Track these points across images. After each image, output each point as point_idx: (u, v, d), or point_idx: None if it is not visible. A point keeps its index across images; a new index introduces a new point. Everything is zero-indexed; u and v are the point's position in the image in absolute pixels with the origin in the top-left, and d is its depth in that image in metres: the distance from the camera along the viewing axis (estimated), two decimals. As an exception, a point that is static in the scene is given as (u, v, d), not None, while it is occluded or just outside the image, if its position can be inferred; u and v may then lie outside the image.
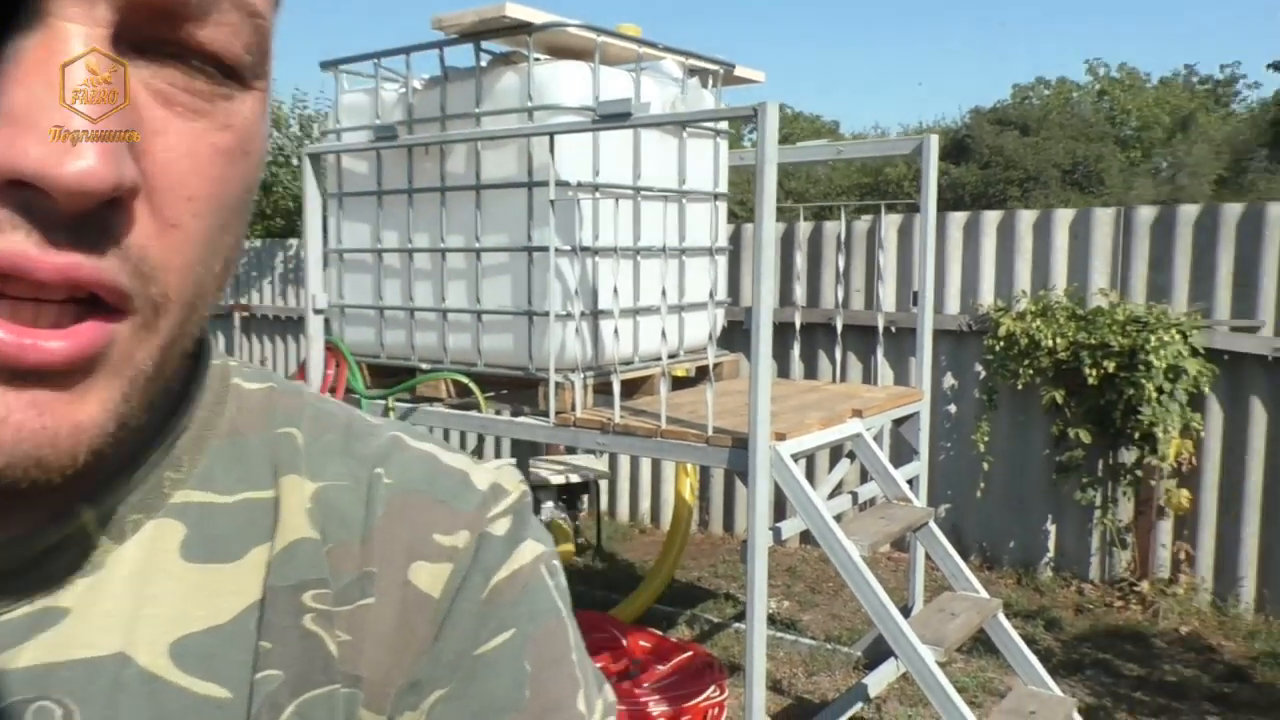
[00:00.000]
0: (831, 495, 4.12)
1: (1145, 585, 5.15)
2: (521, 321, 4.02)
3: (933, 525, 3.70)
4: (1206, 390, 5.06)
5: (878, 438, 4.30)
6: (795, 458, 3.46)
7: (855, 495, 4.05)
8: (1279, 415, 4.95)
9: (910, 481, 4.28)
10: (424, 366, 4.38)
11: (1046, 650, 4.69)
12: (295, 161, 10.23)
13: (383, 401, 4.42)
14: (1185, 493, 5.10)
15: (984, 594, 3.56)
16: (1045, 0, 70.74)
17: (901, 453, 4.44)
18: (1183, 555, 5.16)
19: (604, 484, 7.09)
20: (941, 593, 3.69)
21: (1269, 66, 12.85)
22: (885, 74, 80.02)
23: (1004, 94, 46.09)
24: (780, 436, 3.40)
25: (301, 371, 4.78)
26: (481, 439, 4.60)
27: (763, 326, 3.28)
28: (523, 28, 3.88)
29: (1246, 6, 63.32)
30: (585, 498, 6.74)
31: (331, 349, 4.66)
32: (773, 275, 3.31)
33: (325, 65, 4.55)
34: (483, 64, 4.10)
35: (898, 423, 4.35)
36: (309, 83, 50.92)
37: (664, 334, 3.77)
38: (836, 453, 5.56)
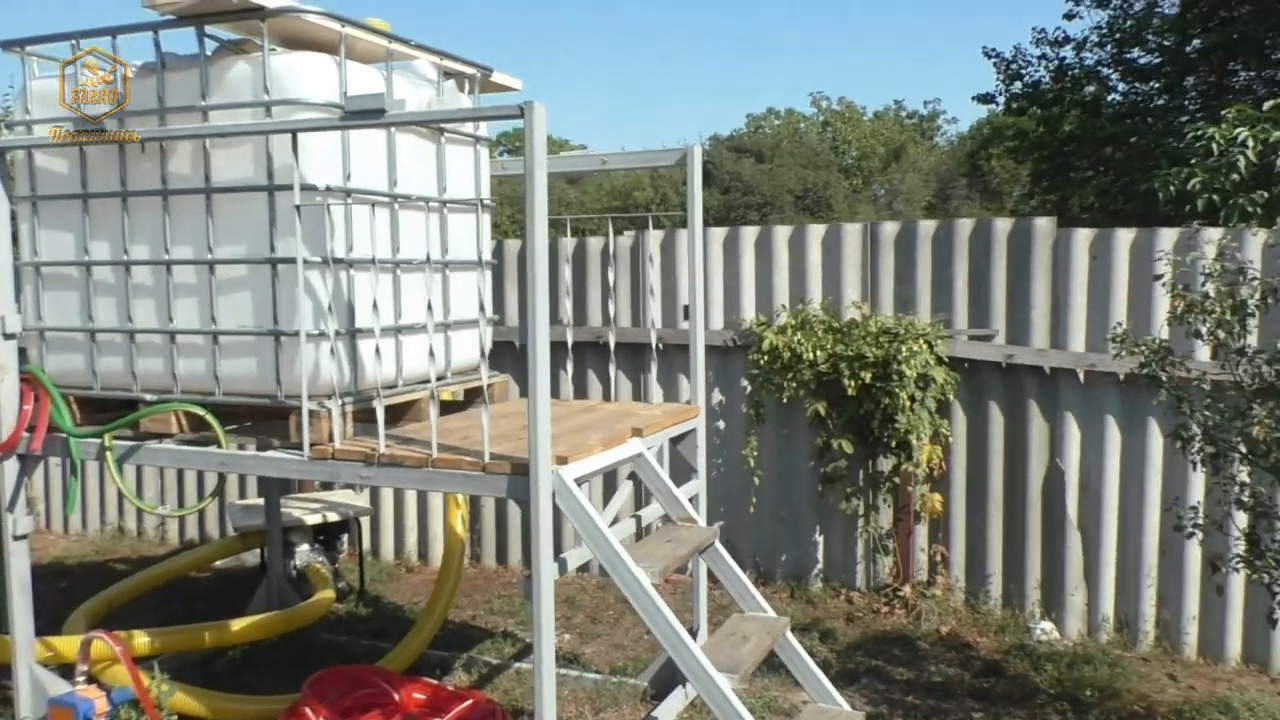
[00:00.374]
0: (613, 521, 3.93)
1: (907, 589, 5.36)
2: (267, 343, 3.55)
3: (718, 545, 3.60)
4: (952, 397, 5.36)
5: (657, 457, 4.17)
6: (579, 482, 3.24)
7: (639, 519, 3.89)
8: (1014, 418, 5.31)
9: (691, 500, 4.19)
10: (148, 398, 3.79)
11: (824, 661, 4.74)
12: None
13: (97, 440, 3.78)
14: (938, 496, 5.36)
15: (771, 613, 3.49)
16: (773, 34, 75.71)
17: (677, 471, 4.34)
18: (939, 557, 5.42)
19: (365, 520, 6.56)
20: (729, 614, 3.59)
21: (974, 99, 14.12)
22: (626, 99, 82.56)
23: (739, 122, 48.70)
24: (562, 460, 3.17)
25: (-12, 408, 4.00)
26: (222, 478, 4.04)
27: (540, 342, 3.04)
28: (254, 11, 3.44)
29: (944, 47, 70.86)
30: (345, 537, 6.20)
31: (29, 380, 3.95)
32: (547, 288, 3.08)
33: (7, 45, 3.86)
34: (208, 52, 3.60)
35: (674, 440, 4.25)
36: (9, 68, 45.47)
37: (432, 352, 3.44)
38: (610, 475, 5.42)
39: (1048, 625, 5.12)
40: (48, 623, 5.28)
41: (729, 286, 5.87)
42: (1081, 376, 5.09)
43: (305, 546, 5.78)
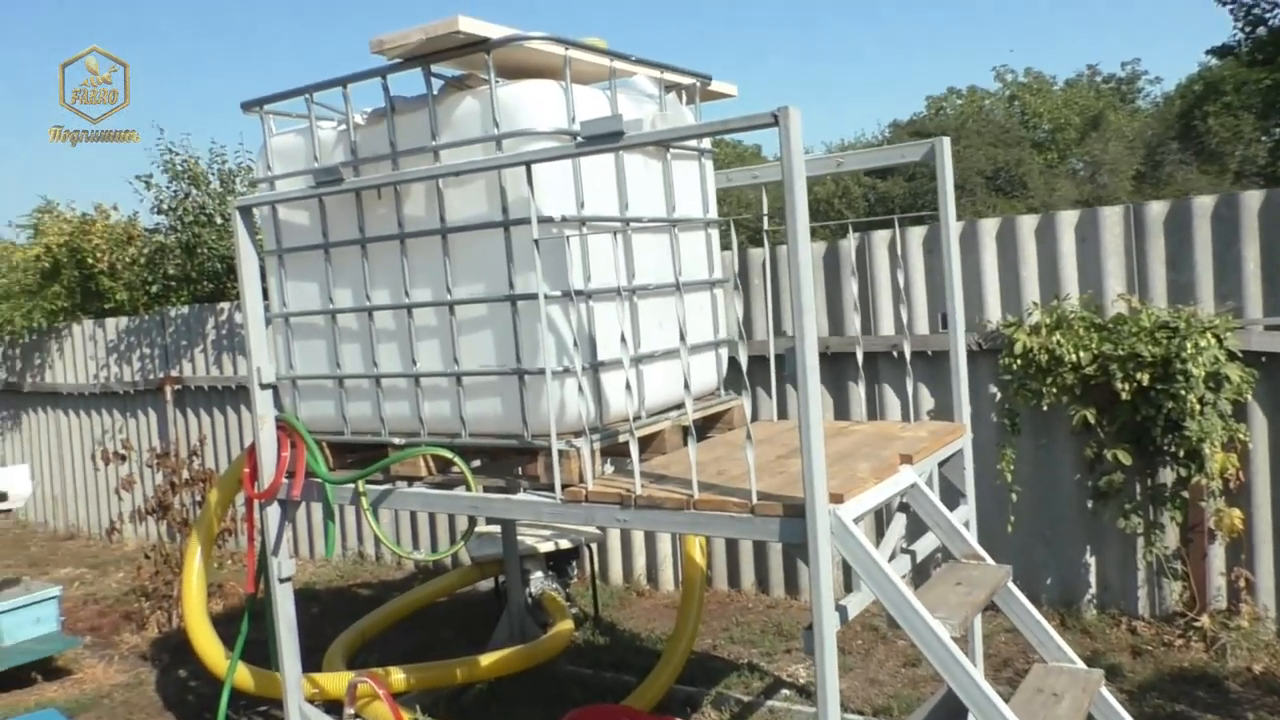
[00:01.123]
0: (890, 558, 3.60)
1: (1205, 619, 4.70)
2: (510, 382, 3.45)
3: (1011, 585, 3.20)
4: (1248, 397, 4.68)
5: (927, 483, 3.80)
6: (856, 520, 2.93)
7: (914, 554, 3.53)
8: (1324, 417, 4.58)
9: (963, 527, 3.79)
10: (397, 442, 3.77)
11: (1119, 703, 4.21)
12: (219, 220, 9.51)
13: (351, 485, 3.80)
14: (1236, 512, 4.68)
15: (1080, 663, 3.06)
16: (945, 12, 72.43)
17: (946, 495, 3.95)
18: (1241, 582, 4.73)
19: (594, 545, 6.49)
20: (1031, 665, 3.18)
21: (1209, 52, 12.77)
22: (795, 94, 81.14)
23: (919, 106, 46.70)
24: (837, 498, 2.87)
25: (251, 456, 4.12)
26: (473, 520, 4.00)
27: (809, 366, 2.74)
28: (479, 44, 3.34)
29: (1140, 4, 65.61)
30: (575, 563, 6.15)
31: (285, 427, 4.03)
32: (813, 304, 2.79)
33: (247, 106, 3.95)
34: (434, 91, 3.54)
35: (941, 463, 3.86)
36: (226, 134, 49.74)
37: (686, 380, 3.22)
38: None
39: (1388, 659, 4.37)
40: (303, 648, 5.49)
41: (969, 285, 5.38)
42: None
43: (539, 574, 5.74)
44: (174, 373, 8.85)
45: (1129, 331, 4.74)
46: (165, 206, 9.55)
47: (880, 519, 5.37)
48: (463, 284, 3.54)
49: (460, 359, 3.56)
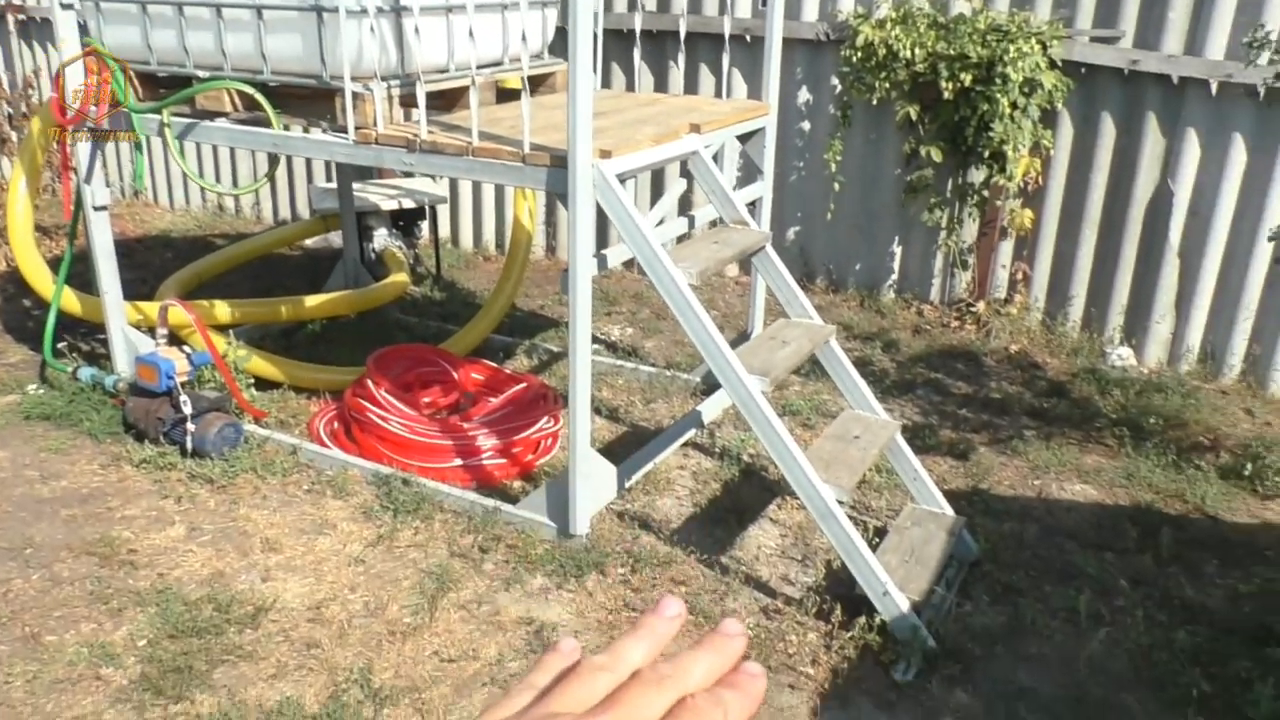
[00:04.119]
0: (660, 221, 3.82)
1: (981, 305, 5.20)
2: (310, 19, 3.38)
3: (769, 250, 3.47)
4: (1060, 105, 4.88)
5: (720, 156, 3.97)
6: (622, 178, 3.11)
7: (692, 219, 3.77)
8: (1128, 131, 4.84)
9: (753, 204, 4.03)
10: (202, 74, 3.72)
11: (881, 371, 4.73)
12: None
13: (156, 116, 3.78)
14: (1029, 212, 5.03)
15: (818, 320, 3.42)
16: None
17: (749, 173, 4.14)
18: (1020, 275, 5.19)
19: (443, 209, 6.62)
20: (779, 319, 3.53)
21: None
22: None
23: None
24: (605, 154, 3.03)
25: (58, 81, 4.02)
26: (275, 159, 4.05)
27: (580, 24, 2.80)
28: None
29: None
30: (423, 224, 6.30)
31: (91, 53, 3.91)
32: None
33: None
34: None
35: (743, 139, 4.01)
36: None
37: (471, 33, 3.22)
38: (682, 170, 5.24)
39: (1125, 351, 4.95)
40: (152, 288, 5.65)
41: (828, -29, 5.30)
42: (1214, 88, 4.53)
43: (383, 231, 5.89)
44: (16, 1, 8.21)
45: (964, 32, 4.80)
46: None
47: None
48: (263, -94, 3.36)
49: (260, -11, 3.45)
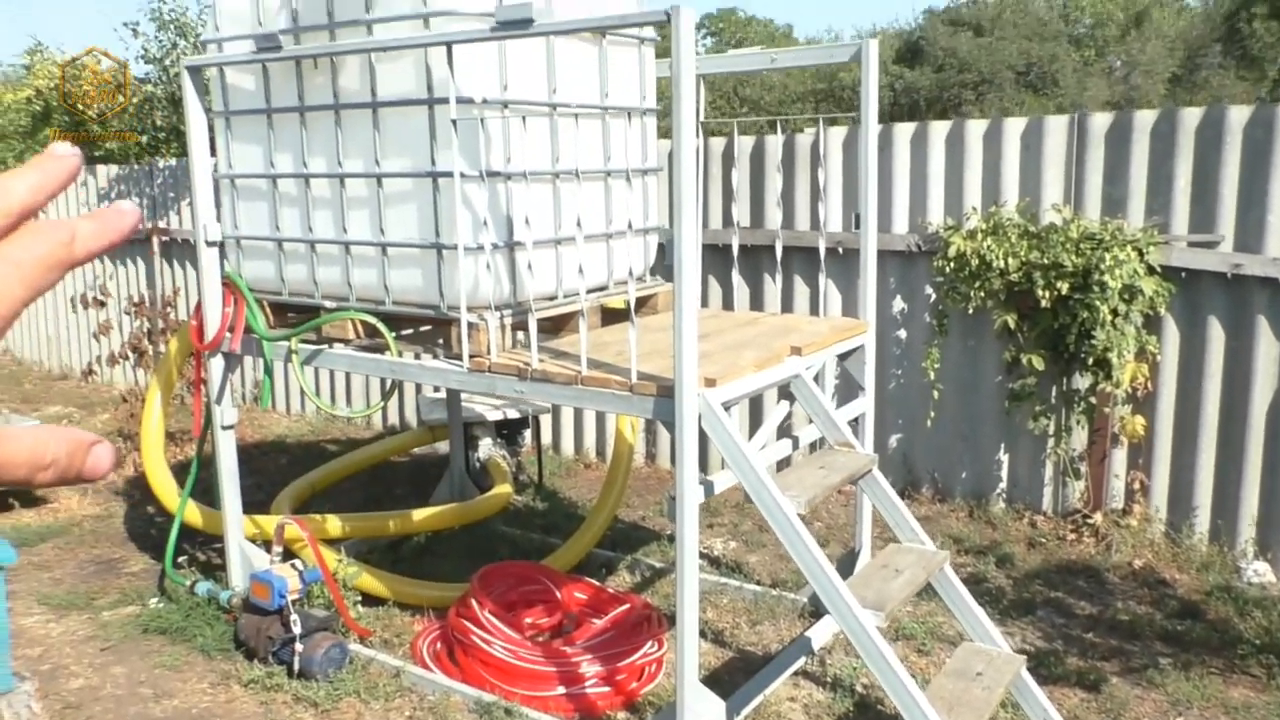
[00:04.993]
0: (778, 439, 3.84)
1: (1098, 517, 4.98)
2: (430, 255, 3.63)
3: (876, 472, 3.44)
4: (1163, 311, 4.83)
5: (821, 374, 4.01)
6: (727, 406, 3.15)
7: (797, 440, 3.77)
8: (1238, 335, 4.74)
9: (855, 420, 4.02)
10: (328, 305, 3.99)
11: (998, 589, 4.53)
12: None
13: (285, 343, 4.04)
14: (1140, 419, 4.90)
15: (930, 545, 3.33)
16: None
17: (849, 388, 4.16)
18: (1137, 485, 4.99)
19: (546, 417, 6.79)
20: (889, 542, 3.45)
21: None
22: (841, -26, 77.90)
23: (958, -7, 44.88)
24: (710, 382, 3.09)
25: (199, 311, 4.36)
26: (395, 383, 4.26)
27: (685, 259, 2.93)
28: (417, -80, 3.40)
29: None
30: (526, 433, 6.45)
31: (229, 285, 4.24)
32: (695, 200, 2.96)
33: (197, -35, 4.01)
34: (374, -37, 3.60)
35: (842, 357, 4.06)
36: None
37: (581, 268, 3.40)
38: (782, 394, 5.30)
39: (1262, 566, 4.65)
40: (268, 495, 5.85)
41: (915, 187, 5.48)
42: (1326, 291, 4.45)
43: (488, 440, 6.05)
44: (161, 224, 9.03)
45: (1056, 241, 4.86)
46: (152, 56, 9.55)
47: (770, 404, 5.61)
48: (392, 157, 3.68)
49: (386, 229, 3.73)
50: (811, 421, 3.61)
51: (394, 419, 7.75)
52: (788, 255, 5.67)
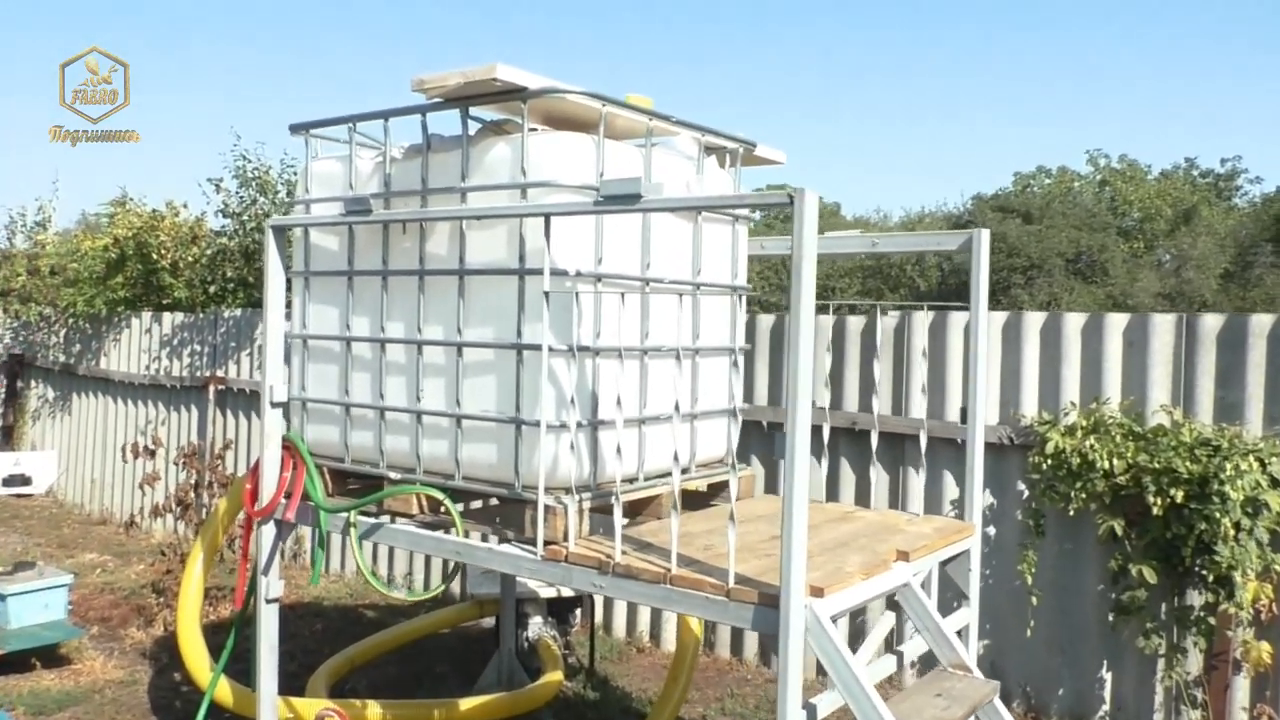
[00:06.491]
0: (873, 658, 3.46)
1: (1223, 753, 4.45)
2: (508, 430, 3.41)
3: (997, 702, 3.03)
4: (1289, 526, 4.43)
5: (927, 581, 3.66)
6: (835, 618, 2.81)
7: (901, 655, 3.39)
8: (1371, 556, 4.31)
9: (960, 632, 3.63)
10: (393, 476, 3.75)
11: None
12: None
13: (344, 515, 3.78)
14: (1265, 646, 4.41)
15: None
16: (1043, 92, 71.80)
17: (945, 595, 3.79)
18: (1264, 719, 4.46)
19: (598, 595, 6.39)
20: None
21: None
22: (883, 156, 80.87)
23: (1005, 181, 46.03)
24: (818, 591, 2.76)
25: (254, 473, 4.14)
26: (458, 565, 3.97)
27: (798, 451, 2.66)
28: (516, 93, 3.35)
29: (1245, 100, 64.10)
30: (578, 611, 6.06)
31: (289, 448, 4.04)
32: (809, 389, 2.71)
33: (295, 129, 4.03)
34: (470, 132, 3.56)
35: (944, 561, 3.71)
36: (298, 148, 51.29)
37: (676, 456, 3.13)
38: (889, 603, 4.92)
39: None
40: (301, 665, 5.47)
41: (1007, 377, 5.22)
42: None
43: (538, 619, 5.66)
44: (219, 373, 9.01)
45: (1167, 444, 4.53)
46: (231, 210, 9.81)
47: (873, 612, 5.20)
48: (475, 326, 3.52)
49: (462, 401, 3.53)
50: (917, 633, 3.23)
51: (436, 580, 7.37)
52: (858, 437, 5.39)
